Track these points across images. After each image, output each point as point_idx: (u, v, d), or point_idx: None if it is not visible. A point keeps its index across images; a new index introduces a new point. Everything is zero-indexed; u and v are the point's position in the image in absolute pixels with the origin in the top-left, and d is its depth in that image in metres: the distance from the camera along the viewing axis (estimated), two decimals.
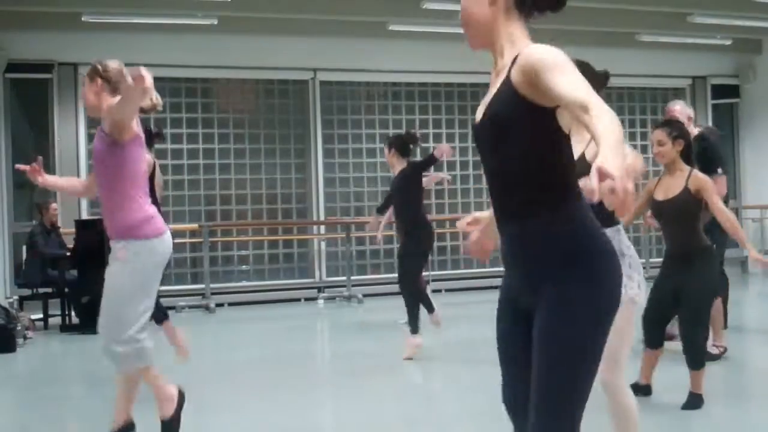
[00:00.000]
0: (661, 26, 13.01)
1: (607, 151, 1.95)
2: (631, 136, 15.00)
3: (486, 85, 2.58)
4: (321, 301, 12.09)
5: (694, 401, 5.35)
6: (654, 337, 5.57)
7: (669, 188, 5.39)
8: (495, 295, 2.70)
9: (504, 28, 2.48)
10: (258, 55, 12.61)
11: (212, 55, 12.41)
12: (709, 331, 5.86)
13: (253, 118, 13.23)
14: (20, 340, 8.66)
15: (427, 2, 11.05)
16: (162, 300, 11.19)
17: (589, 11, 11.89)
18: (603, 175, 1.89)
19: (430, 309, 7.87)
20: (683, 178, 5.34)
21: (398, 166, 7.67)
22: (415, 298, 7.50)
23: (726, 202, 6.57)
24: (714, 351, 6.67)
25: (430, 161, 7.78)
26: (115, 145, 4.26)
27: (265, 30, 12.32)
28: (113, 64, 4.44)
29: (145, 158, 4.48)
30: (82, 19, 11.32)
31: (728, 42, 14.22)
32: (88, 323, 8.87)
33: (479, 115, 2.51)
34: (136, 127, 4.34)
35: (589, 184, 1.91)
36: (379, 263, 13.24)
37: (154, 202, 4.99)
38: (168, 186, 12.46)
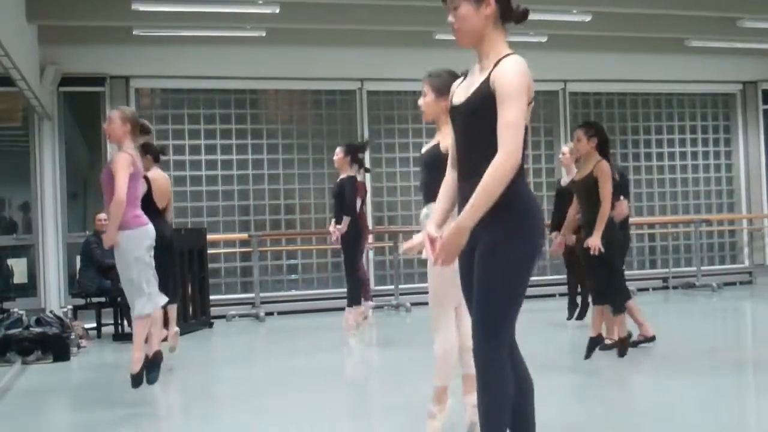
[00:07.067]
0: (710, 31, 12.84)
1: (465, 213, 3.03)
2: (681, 143, 14.85)
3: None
4: (369, 310, 12.08)
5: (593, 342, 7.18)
6: None
7: (582, 171, 7.14)
8: None
9: (489, 35, 3.28)
10: (306, 66, 12.72)
11: (261, 67, 12.57)
12: (622, 281, 7.35)
13: (301, 128, 13.32)
14: (74, 349, 8.81)
15: None
16: (212, 309, 11.41)
17: (637, 17, 11.80)
18: (432, 240, 3.12)
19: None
20: (592, 165, 7.00)
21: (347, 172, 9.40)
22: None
23: (626, 220, 8.07)
24: (608, 342, 7.84)
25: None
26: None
27: (312, 41, 12.43)
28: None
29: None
30: (133, 33, 11.54)
31: None
32: None
33: (460, 98, 3.28)
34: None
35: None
36: (426, 272, 13.14)
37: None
38: (218, 196, 12.71)
